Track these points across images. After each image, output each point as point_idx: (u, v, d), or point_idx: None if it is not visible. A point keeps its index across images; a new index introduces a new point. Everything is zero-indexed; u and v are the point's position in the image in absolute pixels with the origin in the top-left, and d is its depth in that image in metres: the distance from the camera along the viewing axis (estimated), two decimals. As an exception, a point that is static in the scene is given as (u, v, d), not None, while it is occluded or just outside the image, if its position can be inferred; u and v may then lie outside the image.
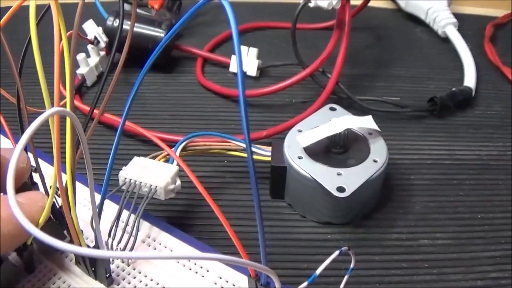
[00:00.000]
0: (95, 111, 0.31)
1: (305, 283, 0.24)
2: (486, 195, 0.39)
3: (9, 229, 0.24)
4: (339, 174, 0.33)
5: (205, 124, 0.44)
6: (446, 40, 0.56)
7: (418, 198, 0.38)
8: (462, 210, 0.38)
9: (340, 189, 0.32)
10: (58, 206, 0.30)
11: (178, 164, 0.33)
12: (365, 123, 0.36)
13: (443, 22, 0.56)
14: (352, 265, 0.26)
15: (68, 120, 0.23)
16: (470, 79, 0.49)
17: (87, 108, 0.44)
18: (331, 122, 0.36)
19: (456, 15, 0.57)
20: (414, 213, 0.37)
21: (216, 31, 0.56)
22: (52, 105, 0.23)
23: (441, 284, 0.32)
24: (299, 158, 0.34)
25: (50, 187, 0.29)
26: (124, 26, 0.44)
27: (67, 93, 0.23)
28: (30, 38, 0.22)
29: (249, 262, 0.21)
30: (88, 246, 0.30)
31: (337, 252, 0.24)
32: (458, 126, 0.45)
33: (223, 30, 0.56)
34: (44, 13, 0.28)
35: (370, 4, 0.51)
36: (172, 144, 0.36)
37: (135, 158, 0.34)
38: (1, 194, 0.27)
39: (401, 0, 0.61)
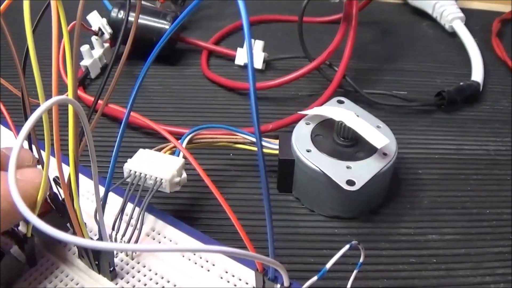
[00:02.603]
0: (99, 101, 0.31)
1: (315, 278, 0.24)
2: (494, 191, 0.38)
3: (4, 206, 0.24)
4: (348, 167, 0.33)
5: (210, 117, 0.44)
6: (453, 34, 0.56)
7: (426, 193, 0.38)
8: (470, 205, 0.37)
9: (350, 183, 0.32)
10: (61, 198, 0.29)
11: (184, 157, 0.33)
12: (375, 140, 0.34)
13: (450, 16, 0.56)
14: (361, 260, 0.25)
15: (70, 109, 0.23)
16: (477, 74, 0.48)
17: (90, 99, 0.43)
18: (348, 112, 0.35)
19: (463, 10, 0.57)
20: (422, 208, 0.37)
21: (221, 24, 0.56)
22: (49, 96, 0.22)
23: (449, 280, 0.32)
24: (308, 151, 0.34)
25: (54, 179, 0.29)
26: (129, 18, 0.44)
27: (69, 82, 0.23)
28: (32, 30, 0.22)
29: (257, 255, 0.21)
30: (92, 239, 0.29)
31: (347, 247, 0.24)
32: (466, 120, 0.45)
33: (228, 24, 0.56)
34: (47, 6, 0.27)
35: (377, -2, 0.51)
36: (177, 136, 0.35)
37: (140, 150, 0.33)
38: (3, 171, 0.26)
39: (408, -6, 0.60)
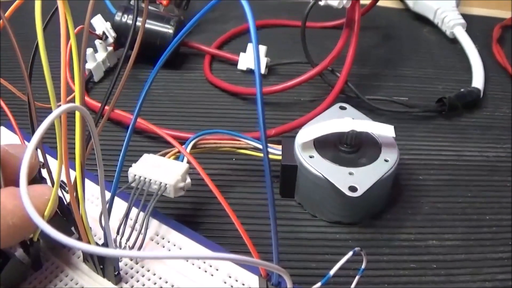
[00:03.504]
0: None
1: (319, 284, 0.24)
2: (494, 197, 0.39)
3: (14, 221, 0.24)
4: (350, 173, 0.33)
5: (213, 122, 0.44)
6: (454, 40, 0.56)
7: (427, 199, 0.38)
8: (470, 211, 0.37)
9: (352, 189, 0.32)
10: (66, 203, 0.29)
11: (189, 162, 0.33)
12: (385, 131, 0.36)
13: (452, 22, 0.56)
14: (363, 266, 0.26)
15: (77, 115, 0.23)
16: (478, 80, 0.49)
17: (93, 103, 0.43)
18: (337, 120, 0.35)
19: (464, 16, 0.57)
20: (423, 213, 0.37)
21: (225, 28, 0.56)
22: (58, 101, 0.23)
23: (449, 285, 0.32)
24: (310, 157, 0.34)
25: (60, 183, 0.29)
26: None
27: (76, 88, 0.23)
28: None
29: (262, 262, 0.21)
30: (97, 244, 0.30)
31: (350, 253, 0.24)
32: (466, 127, 0.45)
33: (231, 27, 0.56)
34: (55, 10, 0.27)
35: (379, 3, 0.51)
36: (181, 141, 0.35)
37: (145, 155, 0.34)
38: (5, 186, 0.26)
39: (410, 0, 0.61)
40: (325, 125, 0.35)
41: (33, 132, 0.28)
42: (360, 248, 0.25)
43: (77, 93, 0.23)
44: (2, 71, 0.45)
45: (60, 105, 0.19)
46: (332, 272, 0.24)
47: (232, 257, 0.19)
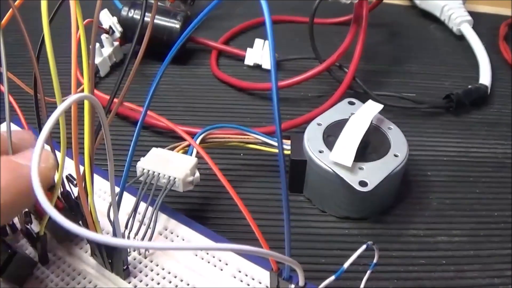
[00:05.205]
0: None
1: (332, 277, 0.24)
2: (502, 193, 0.39)
3: (6, 199, 0.22)
4: (360, 168, 0.33)
5: (220, 117, 0.44)
6: (460, 37, 0.56)
7: (435, 195, 0.38)
8: (478, 207, 0.37)
9: (362, 184, 0.32)
10: (74, 197, 0.29)
11: (198, 156, 0.33)
12: (373, 108, 0.36)
13: (458, 19, 0.56)
14: (375, 260, 0.25)
15: (86, 106, 0.23)
16: (485, 77, 0.49)
17: (102, 95, 0.43)
18: (351, 123, 0.35)
19: (470, 13, 0.57)
20: (431, 209, 0.37)
21: (231, 24, 0.56)
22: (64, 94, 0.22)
23: (458, 281, 0.32)
24: (320, 152, 0.34)
25: (67, 177, 0.29)
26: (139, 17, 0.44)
27: (85, 77, 0.23)
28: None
29: (275, 254, 0.21)
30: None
31: (364, 247, 0.24)
32: (474, 123, 0.45)
33: (237, 24, 0.56)
34: (60, 4, 0.27)
35: (385, 0, 0.51)
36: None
37: (153, 149, 0.33)
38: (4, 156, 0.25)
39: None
40: (352, 135, 0.34)
41: (39, 125, 0.28)
42: (373, 242, 0.25)
43: (85, 83, 0.23)
44: (9, 67, 0.45)
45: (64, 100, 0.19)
46: (346, 265, 0.23)
47: (244, 248, 0.19)
